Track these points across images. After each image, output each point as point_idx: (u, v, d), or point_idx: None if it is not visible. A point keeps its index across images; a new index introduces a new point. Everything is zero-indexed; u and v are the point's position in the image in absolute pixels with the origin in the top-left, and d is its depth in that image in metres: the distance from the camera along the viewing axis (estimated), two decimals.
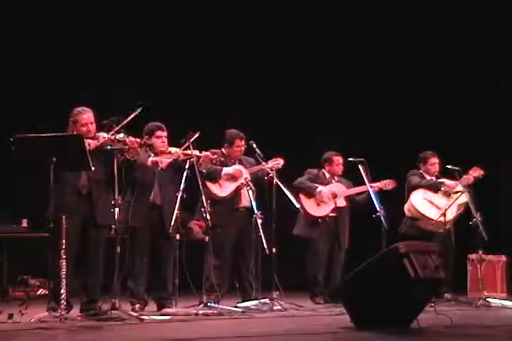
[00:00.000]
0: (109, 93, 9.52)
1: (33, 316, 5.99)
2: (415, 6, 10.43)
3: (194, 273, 7.17)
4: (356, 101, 10.70)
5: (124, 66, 9.89)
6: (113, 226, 6.41)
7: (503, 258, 9.20)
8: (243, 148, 7.82)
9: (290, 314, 7.04)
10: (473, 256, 9.01)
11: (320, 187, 8.39)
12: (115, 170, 6.28)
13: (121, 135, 6.40)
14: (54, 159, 6.02)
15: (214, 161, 7.31)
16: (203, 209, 6.99)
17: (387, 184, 8.42)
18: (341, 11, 10.73)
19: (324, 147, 8.76)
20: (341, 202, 8.45)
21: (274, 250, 7.48)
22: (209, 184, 7.61)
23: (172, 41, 10.35)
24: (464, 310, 7.50)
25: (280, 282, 7.58)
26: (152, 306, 7.09)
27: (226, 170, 7.68)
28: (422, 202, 8.54)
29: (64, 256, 6.02)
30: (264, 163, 7.74)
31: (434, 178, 8.71)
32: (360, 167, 8.18)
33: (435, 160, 8.72)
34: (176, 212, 6.89)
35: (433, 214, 8.41)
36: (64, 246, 6.02)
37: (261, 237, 7.32)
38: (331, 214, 8.38)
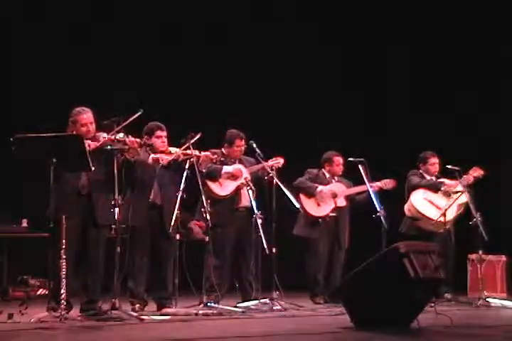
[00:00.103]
0: (109, 93, 9.51)
1: (33, 316, 5.99)
2: (415, 6, 10.42)
3: (194, 273, 7.17)
4: (356, 101, 10.70)
5: (124, 66, 9.89)
6: (113, 226, 6.41)
7: (503, 258, 9.20)
8: (243, 148, 7.83)
9: (290, 314, 7.04)
10: (473, 256, 9.01)
11: (320, 187, 8.39)
12: (115, 170, 6.27)
13: (121, 135, 6.39)
14: (54, 159, 6.02)
15: (214, 161, 7.31)
16: (203, 209, 6.99)
17: (387, 183, 8.42)
18: (341, 11, 10.73)
19: (324, 147, 8.76)
20: (341, 202, 8.45)
21: (274, 250, 7.48)
22: (209, 183, 7.62)
23: (172, 41, 10.35)
24: (464, 310, 7.51)
25: (280, 282, 7.58)
26: (152, 306, 7.09)
27: (226, 168, 7.69)
28: (422, 202, 8.54)
29: (64, 256, 6.02)
30: (264, 162, 7.74)
31: (434, 178, 8.72)
32: (360, 167, 8.18)
33: (435, 160, 8.72)
34: (175, 212, 6.89)
35: (433, 214, 8.41)
36: (64, 246, 6.02)
37: (261, 237, 7.32)
38: (331, 214, 8.38)
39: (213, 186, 7.66)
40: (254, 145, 7.74)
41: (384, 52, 10.69)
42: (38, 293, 8.45)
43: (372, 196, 8.11)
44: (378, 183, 8.37)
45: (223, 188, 7.69)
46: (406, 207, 8.63)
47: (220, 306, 7.01)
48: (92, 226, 6.42)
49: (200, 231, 8.04)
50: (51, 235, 6.21)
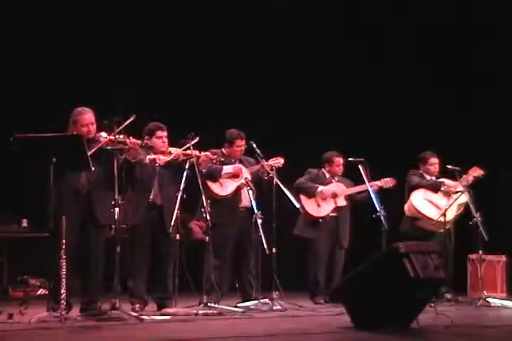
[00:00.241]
0: (109, 93, 9.52)
1: (33, 316, 5.99)
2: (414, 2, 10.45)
3: (194, 273, 7.17)
4: (356, 101, 10.69)
5: (124, 66, 9.90)
6: (113, 226, 6.42)
7: (503, 258, 9.20)
8: (243, 148, 7.83)
9: (290, 314, 7.04)
10: (473, 256, 9.02)
11: (320, 187, 8.39)
12: (115, 170, 6.27)
13: (122, 136, 6.40)
14: (54, 159, 6.02)
15: (214, 161, 7.31)
16: (203, 209, 6.99)
17: (387, 182, 8.42)
18: (341, 11, 10.77)
19: (324, 147, 8.76)
20: (341, 202, 8.45)
21: (274, 250, 7.49)
22: (210, 183, 7.62)
23: (172, 41, 10.36)
24: (464, 310, 7.51)
25: (280, 282, 7.58)
26: (152, 306, 7.09)
27: (226, 168, 7.68)
28: (422, 202, 8.55)
29: (64, 256, 6.02)
30: (264, 161, 7.74)
31: (434, 178, 8.72)
32: (360, 167, 8.18)
33: (435, 160, 8.73)
34: (176, 212, 6.89)
35: (433, 214, 8.42)
36: (64, 246, 6.02)
37: (261, 237, 7.33)
38: (331, 214, 8.38)
39: (213, 186, 7.66)
40: (254, 146, 7.74)
41: (384, 52, 10.69)
42: (38, 293, 8.45)
43: (372, 196, 8.11)
44: (378, 182, 8.37)
45: (223, 188, 7.70)
46: (406, 207, 8.64)
47: (220, 306, 7.01)
48: (92, 226, 6.43)
49: (200, 231, 8.06)
50: (51, 235, 6.21)
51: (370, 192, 8.14)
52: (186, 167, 6.99)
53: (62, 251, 6.02)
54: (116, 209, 6.27)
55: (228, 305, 7.13)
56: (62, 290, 5.99)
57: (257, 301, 7.43)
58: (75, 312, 6.32)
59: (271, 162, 7.78)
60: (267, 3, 10.57)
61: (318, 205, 8.38)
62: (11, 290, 8.56)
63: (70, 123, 6.49)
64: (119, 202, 6.30)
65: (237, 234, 7.70)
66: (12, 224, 8.87)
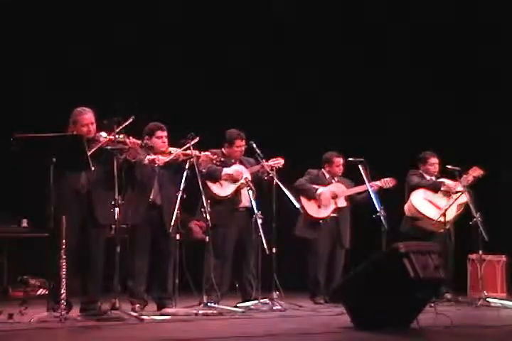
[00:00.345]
0: (109, 93, 9.52)
1: (33, 316, 5.99)
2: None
3: (194, 273, 7.17)
4: (356, 101, 10.69)
5: (124, 66, 9.90)
6: (113, 226, 6.42)
7: (503, 258, 9.20)
8: (243, 148, 7.82)
9: (290, 314, 7.04)
10: (473, 256, 9.01)
11: (320, 189, 8.38)
12: (115, 170, 6.27)
13: (121, 136, 6.39)
14: (54, 159, 6.02)
15: (214, 161, 7.31)
16: (202, 209, 6.99)
17: (387, 182, 8.42)
18: (341, 11, 10.77)
19: (324, 147, 8.76)
20: (342, 203, 8.45)
21: (274, 250, 7.49)
22: (209, 183, 7.62)
23: (172, 41, 10.36)
24: (464, 310, 7.51)
25: (280, 282, 7.58)
26: (152, 306, 7.09)
27: (226, 170, 7.68)
28: (422, 202, 8.55)
29: (64, 256, 6.02)
30: (264, 161, 7.74)
31: (433, 178, 8.72)
32: (360, 167, 8.18)
33: (435, 160, 8.73)
34: (175, 212, 6.89)
35: (433, 214, 8.42)
36: (64, 246, 6.02)
37: (261, 237, 7.33)
38: (332, 215, 8.38)
39: (214, 187, 7.66)
40: (254, 146, 7.74)
41: (384, 51, 10.69)
42: (38, 293, 8.45)
43: (372, 196, 8.10)
44: (378, 182, 8.37)
45: (223, 188, 7.69)
46: (406, 207, 8.63)
47: (220, 306, 7.01)
48: (92, 226, 6.43)
49: (200, 231, 8.06)
50: (51, 235, 6.21)
51: (370, 193, 8.14)
52: (186, 167, 6.99)
53: (62, 251, 6.02)
54: (116, 209, 6.27)
55: (228, 305, 7.12)
56: (62, 290, 5.99)
57: (257, 301, 7.43)
58: (75, 312, 6.32)
59: (271, 162, 7.78)
60: (267, 3, 10.57)
61: (319, 206, 8.37)
62: (11, 290, 8.56)
63: (69, 123, 6.49)
64: (119, 202, 6.30)
65: (237, 234, 7.70)
66: (12, 224, 8.87)
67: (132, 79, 9.83)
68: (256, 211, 7.41)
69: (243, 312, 6.97)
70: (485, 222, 8.04)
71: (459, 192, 8.32)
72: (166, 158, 7.00)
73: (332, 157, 8.53)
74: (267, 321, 6.58)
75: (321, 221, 8.34)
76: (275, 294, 7.48)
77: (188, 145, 7.08)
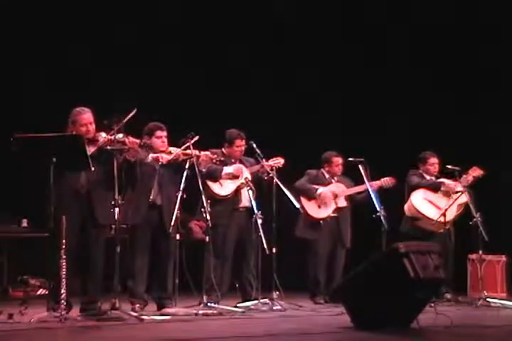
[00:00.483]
0: (109, 93, 9.52)
1: (33, 316, 5.99)
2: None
3: (194, 273, 7.17)
4: (356, 101, 10.69)
5: (124, 66, 9.90)
6: (113, 226, 6.42)
7: (503, 258, 9.20)
8: (243, 148, 7.82)
9: (290, 314, 7.04)
10: (473, 256, 9.02)
11: (320, 189, 8.38)
12: (115, 170, 6.27)
13: (121, 135, 6.39)
14: (54, 159, 6.02)
15: (214, 161, 7.31)
16: (203, 209, 6.99)
17: (387, 181, 8.42)
18: (341, 11, 10.77)
19: (324, 147, 8.75)
20: (342, 203, 8.44)
21: (274, 250, 7.49)
22: (210, 183, 7.62)
23: (172, 41, 10.36)
24: (463, 310, 7.51)
25: (280, 282, 7.58)
26: (152, 306, 7.09)
27: (226, 169, 7.68)
28: (422, 202, 8.55)
29: (64, 256, 6.02)
30: (264, 161, 7.74)
31: (433, 178, 8.72)
32: (360, 167, 8.18)
33: (434, 160, 8.73)
34: (175, 212, 6.89)
35: (433, 214, 8.42)
36: (64, 246, 6.02)
37: (261, 237, 7.33)
38: (332, 215, 8.38)
39: (214, 186, 7.66)
40: (254, 146, 7.74)
41: (384, 52, 10.69)
42: (38, 293, 8.45)
43: (372, 196, 8.10)
44: (378, 182, 8.37)
45: (223, 188, 7.69)
46: (406, 207, 8.63)
47: (220, 306, 7.01)
48: (92, 226, 6.43)
49: (200, 231, 8.05)
50: (51, 235, 6.21)
51: (370, 192, 8.13)
52: (186, 167, 6.99)
53: (62, 251, 6.02)
54: (116, 209, 6.27)
55: (228, 305, 7.12)
56: (62, 290, 5.99)
57: (257, 301, 7.43)
58: (75, 312, 6.32)
59: (271, 162, 7.78)
60: (267, 3, 10.57)
61: (319, 207, 8.37)
62: (11, 290, 8.56)
63: (69, 123, 6.49)
64: (119, 202, 6.30)
65: (237, 234, 7.70)
66: (12, 224, 8.87)
67: (132, 79, 9.83)
68: (256, 211, 7.41)
69: (243, 312, 6.97)
70: (485, 222, 8.04)
71: (459, 192, 8.32)
72: (169, 157, 7.00)
73: (331, 157, 8.53)
74: (267, 321, 6.58)
75: (321, 221, 8.34)
76: (275, 294, 7.48)
77: (187, 144, 7.08)
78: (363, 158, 8.18)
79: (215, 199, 7.54)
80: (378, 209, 7.99)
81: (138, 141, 6.53)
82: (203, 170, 7.24)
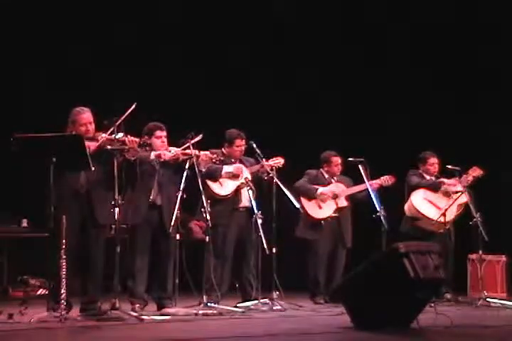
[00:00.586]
0: (109, 93, 9.52)
1: (33, 316, 5.99)
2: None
3: (194, 273, 7.17)
4: (356, 101, 10.69)
5: (124, 66, 9.90)
6: (113, 226, 6.41)
7: (503, 258, 9.21)
8: (243, 148, 7.82)
9: (290, 314, 7.04)
10: (473, 256, 9.02)
11: (320, 189, 8.38)
12: (115, 170, 6.27)
13: (120, 134, 6.39)
14: (54, 159, 6.02)
15: (214, 160, 7.31)
16: (202, 209, 6.99)
17: (387, 180, 8.41)
18: (341, 11, 10.77)
19: (324, 147, 8.75)
20: (342, 203, 8.44)
21: (274, 250, 7.49)
22: (210, 183, 7.62)
23: (172, 41, 10.36)
24: (464, 310, 7.51)
25: (280, 282, 7.58)
26: (152, 306, 7.09)
27: (226, 168, 7.68)
28: (422, 202, 8.55)
29: (64, 256, 6.02)
30: (264, 161, 7.74)
31: (433, 178, 8.72)
32: (360, 167, 8.18)
33: (434, 160, 8.73)
34: (175, 212, 6.89)
35: (433, 214, 8.42)
36: (64, 246, 6.02)
37: (261, 237, 7.33)
38: (333, 215, 8.38)
39: (214, 186, 7.66)
40: (254, 146, 7.74)
41: (384, 52, 10.69)
42: (38, 293, 8.45)
43: (372, 196, 8.10)
44: (378, 181, 8.36)
45: (223, 188, 7.69)
46: (406, 207, 8.63)
47: (220, 306, 7.01)
48: (92, 226, 6.43)
49: (200, 231, 8.05)
50: (51, 235, 6.21)
51: (370, 192, 8.13)
52: (186, 167, 6.99)
53: (62, 251, 6.02)
54: (116, 209, 6.27)
55: (228, 305, 7.12)
56: (62, 290, 5.99)
57: (257, 301, 7.43)
58: (75, 312, 6.32)
59: (271, 162, 7.78)
60: (267, 3, 10.57)
61: (320, 207, 8.37)
62: (11, 290, 8.56)
63: (68, 123, 6.49)
64: (119, 202, 6.30)
65: (237, 234, 7.70)
66: (12, 224, 8.87)
67: (132, 79, 9.83)
68: (256, 211, 7.41)
69: (243, 312, 6.97)
70: (485, 222, 8.04)
71: (459, 192, 8.31)
72: (171, 154, 7.01)
73: (330, 156, 8.53)
74: (267, 321, 6.58)
75: (322, 222, 8.33)
76: (275, 294, 7.48)
77: (187, 144, 7.08)
78: (363, 158, 8.17)
79: (215, 199, 7.54)
80: (378, 209, 7.98)
81: (137, 139, 6.53)
82: (203, 169, 7.24)
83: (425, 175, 8.73)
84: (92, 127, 6.47)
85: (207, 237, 7.15)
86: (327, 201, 8.36)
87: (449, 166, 8.36)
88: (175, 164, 7.07)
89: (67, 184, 6.33)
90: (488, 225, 8.07)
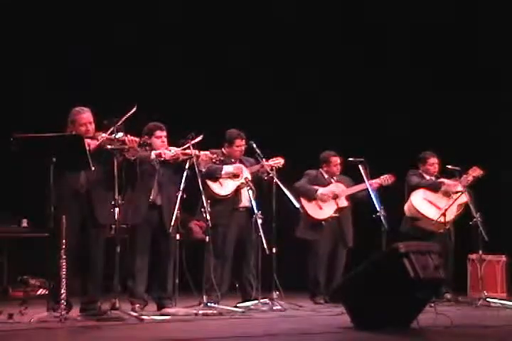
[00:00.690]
0: (109, 93, 9.52)
1: (33, 316, 5.99)
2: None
3: (194, 273, 7.17)
4: (356, 101, 10.69)
5: (124, 66, 9.90)
6: (113, 226, 6.41)
7: (503, 258, 9.20)
8: (243, 148, 7.82)
9: (290, 314, 7.04)
10: (473, 256, 9.02)
11: (320, 190, 8.37)
12: (115, 170, 6.27)
13: (120, 134, 6.39)
14: (54, 159, 6.02)
15: (214, 160, 7.31)
16: (202, 209, 6.99)
17: (387, 179, 8.41)
18: (341, 11, 10.77)
19: (324, 147, 8.75)
20: (343, 203, 8.44)
21: (274, 250, 7.49)
22: (210, 183, 7.62)
23: (172, 41, 10.36)
24: (464, 310, 7.51)
25: (280, 282, 7.58)
26: (152, 306, 7.09)
27: (226, 168, 7.68)
28: (422, 202, 8.55)
29: (64, 256, 6.02)
30: (264, 161, 7.74)
31: (433, 178, 8.72)
32: (360, 167, 8.17)
33: (434, 160, 8.73)
34: (176, 212, 6.89)
35: (433, 214, 8.42)
36: (64, 246, 6.02)
37: (261, 237, 7.33)
38: (333, 215, 8.38)
39: (214, 186, 7.66)
40: (254, 146, 7.74)
41: (384, 52, 10.69)
42: (38, 293, 8.45)
43: (373, 196, 8.09)
44: (377, 180, 8.36)
45: (223, 188, 7.69)
46: (406, 207, 8.63)
47: (220, 306, 7.01)
48: (92, 226, 6.43)
49: (200, 231, 8.05)
50: (51, 235, 6.21)
51: (370, 192, 8.12)
52: (186, 167, 6.99)
53: (62, 251, 6.02)
54: (116, 209, 6.27)
55: (228, 305, 7.12)
56: (62, 290, 5.99)
57: (257, 301, 7.43)
58: (75, 312, 6.32)
59: (271, 162, 7.78)
60: (267, 3, 10.57)
61: (320, 207, 8.37)
62: (11, 290, 8.56)
63: (68, 123, 6.49)
64: (119, 202, 6.30)
65: (237, 233, 7.70)
66: (12, 224, 8.87)
67: (132, 79, 9.83)
68: (256, 211, 7.41)
69: (243, 312, 6.97)
70: (485, 222, 8.04)
71: (459, 192, 8.31)
72: (172, 153, 7.01)
73: (329, 156, 8.52)
74: (267, 321, 6.58)
75: (323, 222, 8.33)
76: (275, 294, 7.48)
77: (187, 145, 7.08)
78: (363, 158, 8.17)
79: (215, 199, 7.54)
80: (378, 209, 7.98)
81: (137, 139, 6.53)
82: (203, 169, 7.24)
83: (425, 175, 8.73)
84: (92, 127, 6.47)
85: (207, 237, 7.15)
86: (328, 202, 8.36)
87: (449, 166, 8.35)
88: (175, 164, 7.07)
89: (67, 184, 6.33)
90: (488, 225, 8.07)
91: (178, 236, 7.03)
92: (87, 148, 6.14)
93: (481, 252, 8.30)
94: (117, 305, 6.26)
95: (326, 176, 8.53)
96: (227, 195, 7.69)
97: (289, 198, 7.62)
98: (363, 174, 8.17)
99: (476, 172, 8.43)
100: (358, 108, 10.66)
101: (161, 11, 10.28)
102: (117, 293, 6.31)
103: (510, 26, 10.07)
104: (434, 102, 10.40)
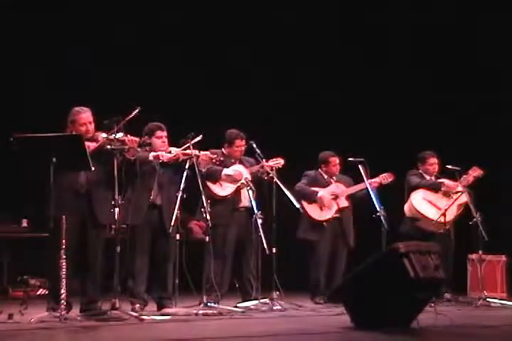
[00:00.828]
0: (109, 93, 9.52)
1: (33, 316, 5.99)
2: None
3: (194, 273, 7.17)
4: (356, 101, 10.69)
5: (124, 66, 9.90)
6: (113, 226, 6.41)
7: (503, 258, 9.20)
8: (243, 148, 7.82)
9: (290, 314, 7.04)
10: (473, 256, 9.02)
11: (320, 192, 8.36)
12: (115, 170, 6.27)
13: (120, 134, 6.39)
14: (54, 159, 6.02)
15: (214, 161, 7.31)
16: (202, 209, 6.99)
17: (386, 178, 8.39)
18: (341, 11, 10.77)
19: (324, 147, 8.75)
20: (343, 203, 8.43)
21: (274, 250, 7.48)
22: (209, 183, 7.61)
23: (172, 41, 10.36)
24: (464, 310, 7.51)
25: (280, 282, 7.58)
26: (152, 306, 7.08)
27: (226, 170, 7.68)
28: (422, 202, 8.54)
29: (64, 256, 6.02)
30: (264, 161, 7.73)
31: (433, 178, 8.72)
32: (360, 167, 8.17)
33: (434, 160, 8.73)
34: (176, 212, 6.89)
35: (433, 214, 8.42)
36: (64, 246, 6.02)
37: (261, 237, 7.33)
38: (334, 216, 8.37)
39: (213, 186, 7.66)
40: (254, 146, 7.73)
41: (384, 52, 10.70)
42: (38, 293, 8.45)
43: (373, 196, 8.09)
44: (377, 179, 8.35)
45: (223, 188, 7.70)
46: (406, 207, 8.63)
47: (220, 306, 7.01)
48: (92, 226, 6.43)
49: (200, 231, 8.05)
50: (51, 235, 6.21)
51: (370, 192, 8.12)
52: (186, 167, 6.99)
53: (62, 251, 6.03)
54: (116, 209, 6.27)
55: (228, 305, 7.12)
56: (62, 290, 5.99)
57: (257, 301, 7.43)
58: (75, 312, 6.32)
59: (271, 162, 7.77)
60: (266, 3, 10.57)
61: (321, 209, 8.36)
62: (11, 290, 8.57)
63: (68, 123, 6.49)
64: (119, 202, 6.30)
65: (237, 234, 7.70)
66: (12, 224, 8.88)
67: (132, 79, 9.83)
68: (256, 211, 7.41)
69: (243, 312, 6.97)
70: (485, 222, 8.04)
71: (459, 192, 8.31)
72: (170, 155, 7.01)
73: (328, 157, 8.51)
74: (267, 321, 6.58)
75: (324, 223, 8.32)
76: (275, 294, 7.48)
77: (187, 145, 7.08)
78: (363, 158, 8.16)
79: (215, 199, 7.54)
80: (378, 209, 7.97)
81: (137, 139, 6.52)
82: (203, 170, 7.24)
83: (425, 175, 8.73)
84: (91, 127, 6.47)
85: (207, 237, 7.15)
86: (328, 203, 8.34)
87: (449, 166, 8.35)
88: (175, 164, 7.06)
89: (67, 184, 6.33)
90: (488, 225, 8.07)
91: (178, 236, 7.03)
92: (87, 149, 6.14)
93: (481, 252, 8.30)
94: (117, 305, 6.26)
95: (326, 176, 8.52)
96: (227, 195, 7.69)
97: (289, 198, 7.61)
98: (363, 174, 8.16)
99: (476, 172, 8.43)
100: (358, 108, 10.66)
101: (161, 11, 10.28)
102: (117, 293, 6.31)
103: (510, 26, 10.07)
104: (434, 102, 10.40)
